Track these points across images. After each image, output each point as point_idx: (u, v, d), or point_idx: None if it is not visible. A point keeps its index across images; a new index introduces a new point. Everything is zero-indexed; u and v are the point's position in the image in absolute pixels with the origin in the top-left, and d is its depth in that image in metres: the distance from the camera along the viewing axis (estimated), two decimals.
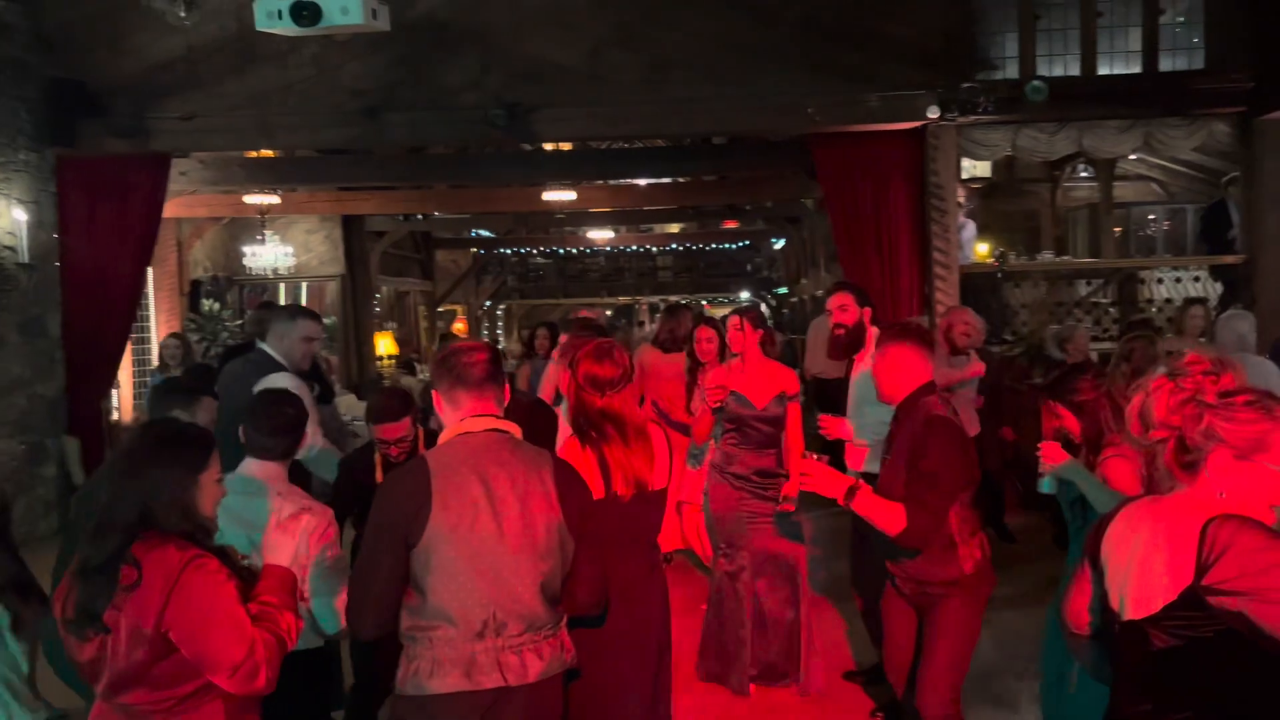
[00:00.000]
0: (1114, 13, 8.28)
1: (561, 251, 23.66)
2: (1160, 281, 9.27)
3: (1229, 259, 8.44)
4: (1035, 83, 7.68)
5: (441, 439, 2.38)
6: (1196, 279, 8.71)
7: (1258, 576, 1.55)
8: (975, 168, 11.85)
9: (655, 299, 24.44)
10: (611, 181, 13.43)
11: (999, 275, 8.32)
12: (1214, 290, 8.61)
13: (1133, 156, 14.30)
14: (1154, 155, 8.65)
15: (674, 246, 23.88)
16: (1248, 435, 1.62)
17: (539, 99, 7.96)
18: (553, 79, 7.98)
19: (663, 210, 18.25)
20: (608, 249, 23.41)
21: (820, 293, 14.49)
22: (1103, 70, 8.23)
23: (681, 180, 13.02)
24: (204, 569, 2.04)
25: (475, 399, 2.37)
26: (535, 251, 23.64)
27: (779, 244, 20.05)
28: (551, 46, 8.00)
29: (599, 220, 18.10)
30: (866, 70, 7.96)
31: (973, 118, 7.97)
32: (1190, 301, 7.17)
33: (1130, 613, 1.74)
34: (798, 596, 4.49)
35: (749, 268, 24.05)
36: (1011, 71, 8.16)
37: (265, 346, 4.49)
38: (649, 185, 13.91)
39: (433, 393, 2.42)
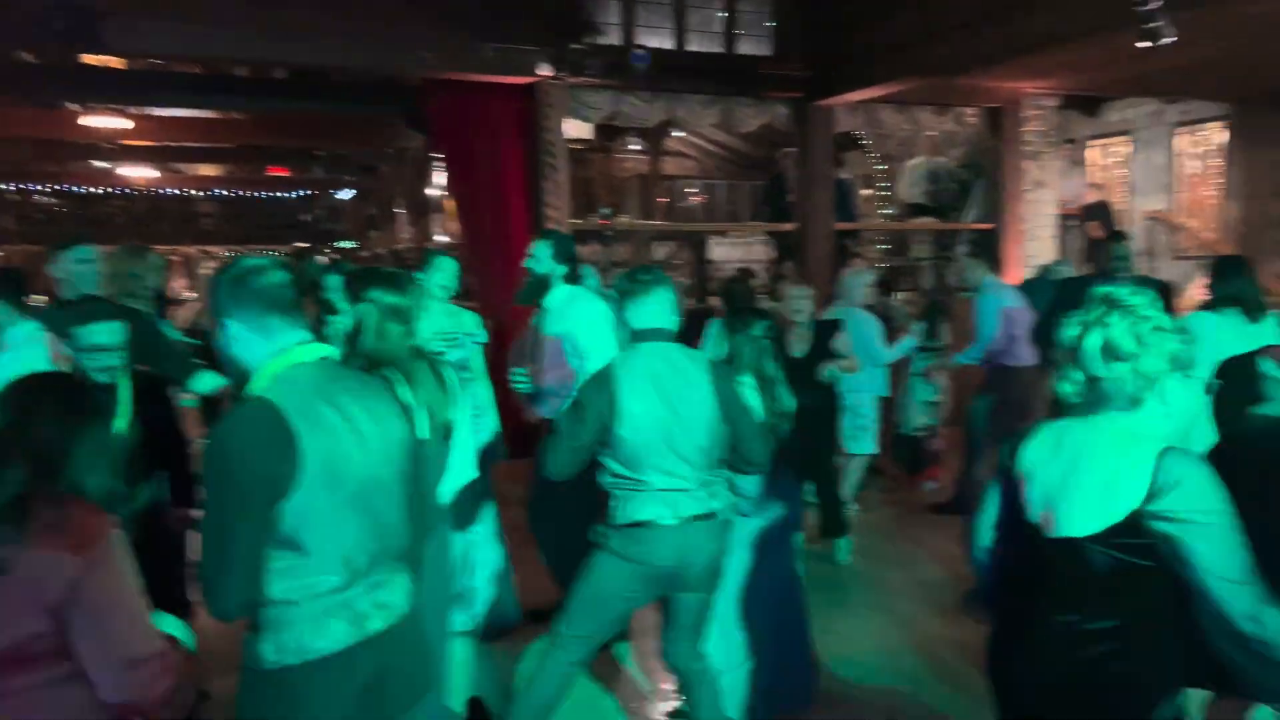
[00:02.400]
0: None
1: (82, 190, 20.46)
2: (720, 245, 10.41)
3: (785, 226, 9.69)
4: (639, 50, 8.17)
5: (268, 369, 2.00)
6: (764, 242, 9.90)
7: (1203, 514, 1.76)
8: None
9: (193, 249, 22.13)
10: (161, 112, 11.89)
11: (609, 234, 8.76)
12: (769, 253, 9.84)
13: (677, 134, 15.88)
14: (729, 130, 9.58)
15: (219, 192, 21.76)
16: None
17: (115, 2, 6.81)
18: None
19: (216, 149, 16.48)
20: (144, 190, 20.70)
21: (402, 248, 14.17)
22: (692, 47, 8.96)
23: (260, 115, 11.87)
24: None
25: (291, 324, 2.04)
26: (45, 188, 20.17)
27: (345, 195, 19.18)
28: None
29: (137, 156, 15.93)
30: (485, 21, 7.88)
31: (581, 79, 8.27)
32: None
33: (1066, 529, 1.88)
34: None
35: (309, 218, 22.72)
36: (615, 38, 8.58)
37: None
38: (211, 119, 12.50)
39: (221, 322, 2.00)
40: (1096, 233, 10.41)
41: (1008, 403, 6.11)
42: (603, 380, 2.98)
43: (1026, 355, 6.03)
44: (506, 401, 4.60)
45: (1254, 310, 4.56)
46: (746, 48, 9.11)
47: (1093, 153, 12.82)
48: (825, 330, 5.34)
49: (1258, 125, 10.64)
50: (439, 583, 2.87)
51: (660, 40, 8.78)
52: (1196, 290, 8.58)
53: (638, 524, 2.95)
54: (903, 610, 4.96)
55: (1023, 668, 1.98)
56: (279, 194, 22.20)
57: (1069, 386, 1.90)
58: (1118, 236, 5.55)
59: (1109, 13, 6.22)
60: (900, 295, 8.75)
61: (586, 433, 2.94)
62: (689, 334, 3.97)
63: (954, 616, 4.73)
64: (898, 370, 6.99)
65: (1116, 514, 1.82)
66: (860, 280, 6.00)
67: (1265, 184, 10.67)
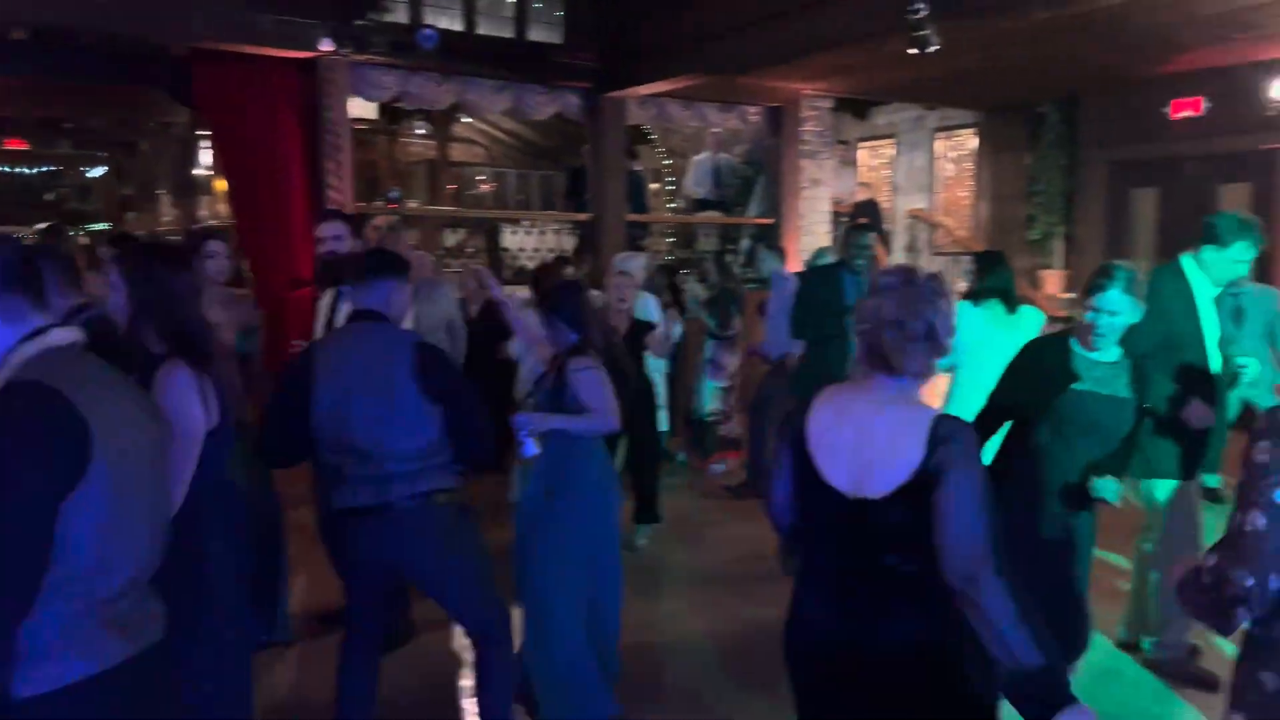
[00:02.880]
0: None
1: None
2: (515, 233, 10.31)
3: (581, 216, 9.71)
4: (427, 30, 7.91)
5: (21, 354, 1.72)
6: (557, 231, 9.87)
7: (963, 471, 1.89)
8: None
9: None
10: None
11: (398, 219, 8.42)
12: (569, 242, 9.83)
13: (466, 120, 15.60)
14: (520, 117, 9.48)
15: None
16: None
17: None
18: None
19: None
20: None
21: (164, 231, 13.12)
22: (483, 30, 8.79)
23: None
24: None
25: (37, 306, 1.79)
26: None
27: (95, 172, 17.56)
28: None
29: None
30: None
31: (365, 56, 7.93)
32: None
33: (864, 491, 1.98)
34: None
35: (53, 197, 20.62)
36: (402, 16, 8.28)
37: None
38: None
39: None
40: None
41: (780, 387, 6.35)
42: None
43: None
44: None
45: (1012, 302, 4.96)
46: (538, 34, 9.03)
47: (862, 154, 13.64)
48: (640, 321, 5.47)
49: (1003, 133, 11.66)
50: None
51: (450, 21, 8.55)
52: (955, 283, 9.28)
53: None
54: (697, 594, 5.06)
55: (831, 626, 2.05)
56: (19, 169, 20.04)
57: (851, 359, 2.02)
58: (859, 228, 5.82)
59: (881, 20, 6.61)
60: (689, 286, 8.97)
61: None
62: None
63: (750, 597, 4.88)
64: (689, 356, 7.15)
65: (900, 473, 1.94)
66: (636, 264, 6.05)
67: (1009, 187, 11.71)
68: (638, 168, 10.64)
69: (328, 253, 4.23)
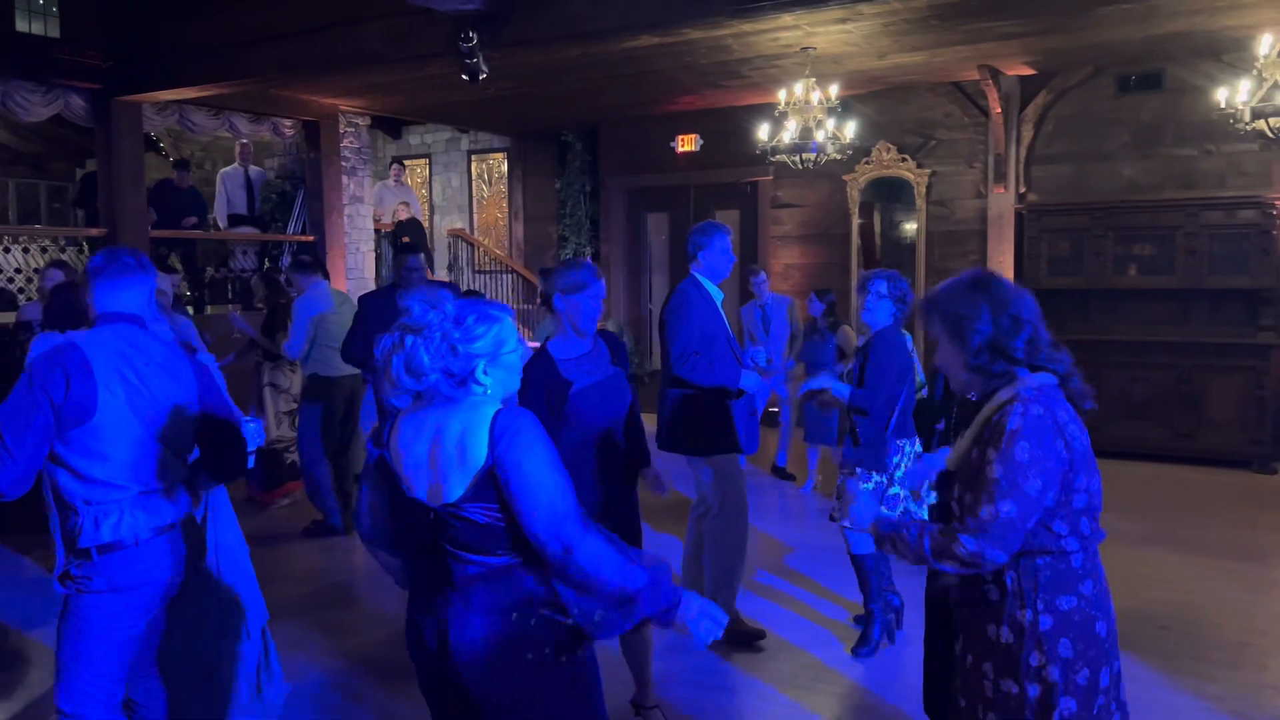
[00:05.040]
0: None
1: None
2: (7, 251, 8.87)
3: (91, 231, 8.60)
4: None
5: None
6: (59, 247, 8.62)
7: (527, 460, 2.00)
8: None
9: None
10: None
11: None
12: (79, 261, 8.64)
13: None
14: (12, 117, 8.15)
15: None
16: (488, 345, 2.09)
17: None
18: None
19: None
20: None
21: None
22: None
23: None
24: None
25: None
26: None
27: None
28: None
29: None
30: None
31: None
32: None
33: (441, 498, 2.04)
34: None
35: None
36: None
37: None
38: None
39: None
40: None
41: (332, 410, 6.23)
42: None
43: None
44: None
45: None
46: (29, 25, 7.85)
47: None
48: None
49: (533, 158, 12.42)
50: None
51: None
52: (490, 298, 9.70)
53: None
54: (281, 631, 4.77)
55: (426, 631, 2.14)
56: None
57: (403, 399, 2.11)
58: (405, 248, 5.91)
59: (424, 42, 6.74)
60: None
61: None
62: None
63: (336, 625, 4.72)
64: (246, 382, 6.69)
65: (470, 474, 2.05)
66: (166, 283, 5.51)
67: (540, 208, 12.51)
68: (178, 178, 9.70)
69: None
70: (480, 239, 13.04)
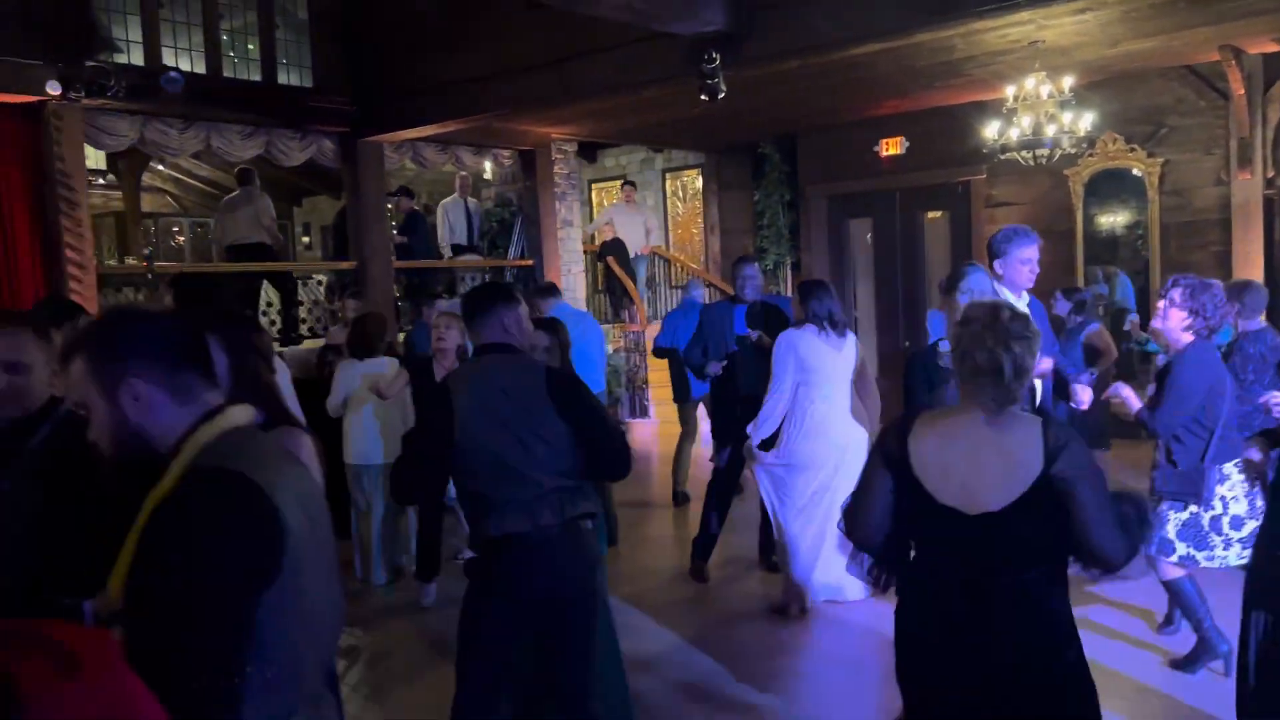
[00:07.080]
0: (234, 16, 8.30)
1: None
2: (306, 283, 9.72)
3: (343, 264, 9.25)
4: (172, 73, 7.25)
5: (199, 439, 1.48)
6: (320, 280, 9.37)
7: (1084, 467, 2.08)
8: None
9: None
10: None
11: (149, 277, 7.60)
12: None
13: (160, 167, 14.43)
14: (275, 162, 8.89)
15: None
16: None
17: None
18: None
19: None
20: None
21: None
22: (229, 73, 8.18)
23: None
24: None
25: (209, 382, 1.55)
26: None
27: None
28: None
29: None
30: None
31: (100, 101, 7.13)
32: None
33: (981, 507, 2.08)
34: None
35: None
36: (137, 58, 7.53)
37: None
38: None
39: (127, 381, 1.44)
40: (615, 267, 11.50)
41: None
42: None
43: None
44: None
45: (838, 325, 5.37)
46: (288, 78, 8.55)
47: (596, 194, 14.10)
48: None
49: (727, 171, 12.57)
50: None
51: (192, 64, 7.88)
52: None
53: None
54: None
55: (956, 638, 2.15)
56: None
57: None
58: (741, 258, 6.08)
59: (668, 66, 6.94)
60: None
61: None
62: None
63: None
64: None
65: (1022, 485, 2.09)
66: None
67: (735, 221, 12.63)
68: (416, 208, 10.46)
69: None
70: (676, 255, 13.27)
